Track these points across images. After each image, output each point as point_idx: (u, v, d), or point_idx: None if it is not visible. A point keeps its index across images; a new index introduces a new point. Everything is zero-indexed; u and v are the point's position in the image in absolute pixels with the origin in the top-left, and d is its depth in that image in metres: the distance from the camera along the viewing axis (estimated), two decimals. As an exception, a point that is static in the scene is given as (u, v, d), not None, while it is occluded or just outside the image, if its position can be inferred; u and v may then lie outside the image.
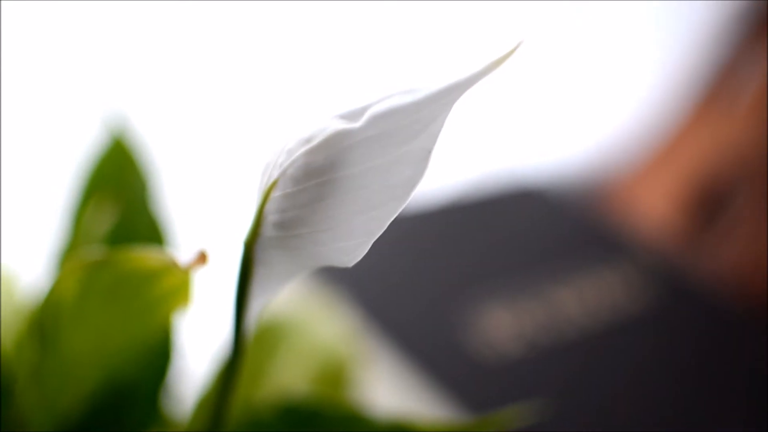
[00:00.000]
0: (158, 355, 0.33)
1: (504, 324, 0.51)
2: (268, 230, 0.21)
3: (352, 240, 0.20)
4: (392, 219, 0.20)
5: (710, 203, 0.76)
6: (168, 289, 0.27)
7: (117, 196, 0.38)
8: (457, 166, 0.75)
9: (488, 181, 0.68)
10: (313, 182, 0.20)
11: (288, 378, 0.37)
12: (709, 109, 0.77)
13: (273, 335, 0.38)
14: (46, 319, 0.28)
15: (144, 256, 0.25)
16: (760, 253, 0.70)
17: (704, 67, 0.79)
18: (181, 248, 0.37)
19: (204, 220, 0.59)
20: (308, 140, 0.19)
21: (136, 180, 0.38)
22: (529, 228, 0.63)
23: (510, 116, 0.85)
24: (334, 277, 0.51)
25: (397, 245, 0.57)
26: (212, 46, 0.67)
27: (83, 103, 0.60)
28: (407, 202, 0.20)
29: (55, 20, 0.61)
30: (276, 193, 0.20)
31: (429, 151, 0.19)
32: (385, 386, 0.46)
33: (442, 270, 0.56)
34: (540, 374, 0.49)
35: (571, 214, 0.67)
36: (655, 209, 0.75)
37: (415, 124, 0.19)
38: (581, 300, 0.55)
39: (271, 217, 0.21)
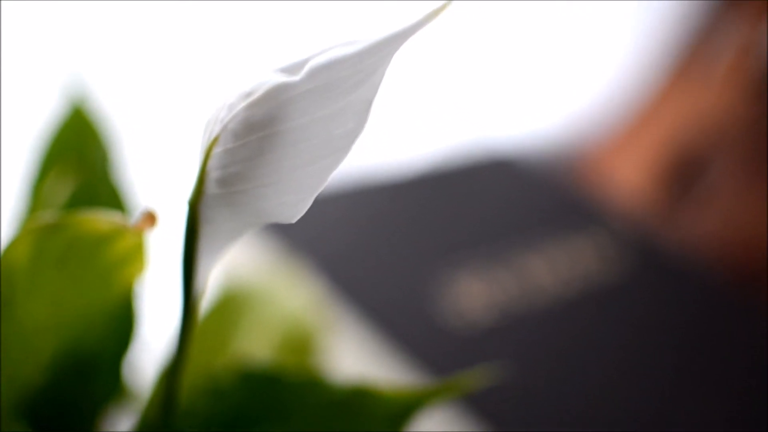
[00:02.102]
0: (120, 324, 0.33)
1: (475, 293, 0.51)
2: (211, 187, 0.21)
3: (295, 194, 0.20)
4: (333, 172, 0.20)
5: (685, 173, 0.76)
6: (122, 253, 0.27)
7: (78, 165, 0.37)
8: (430, 136, 0.75)
9: (461, 151, 0.68)
10: (254, 137, 0.19)
11: (253, 347, 0.37)
12: (683, 77, 0.77)
13: (238, 304, 0.38)
14: (1, 286, 0.28)
15: (94, 218, 0.25)
16: (736, 223, 0.70)
17: (678, 35, 0.79)
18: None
19: (166, 186, 0.59)
20: (248, 94, 0.19)
21: (96, 148, 0.38)
22: (501, 198, 0.63)
23: (482, 85, 0.85)
24: (302, 246, 0.50)
25: (368, 215, 0.56)
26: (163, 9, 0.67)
27: (43, 71, 0.59)
28: (348, 154, 0.19)
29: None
30: (217, 149, 0.20)
31: (370, 102, 0.19)
32: (355, 356, 0.46)
33: (413, 239, 0.55)
34: (511, 343, 0.49)
35: (545, 184, 0.67)
36: (630, 179, 0.75)
37: (356, 75, 0.19)
38: (553, 269, 0.55)
39: (213, 174, 0.20)
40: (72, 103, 0.37)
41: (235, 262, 0.51)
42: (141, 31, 0.67)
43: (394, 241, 0.55)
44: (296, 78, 0.19)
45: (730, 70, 0.74)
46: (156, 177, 0.58)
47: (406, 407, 0.28)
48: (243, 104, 0.19)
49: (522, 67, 0.87)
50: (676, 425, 0.46)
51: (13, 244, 0.26)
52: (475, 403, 0.43)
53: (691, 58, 0.77)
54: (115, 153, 0.37)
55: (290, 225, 0.46)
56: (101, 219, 0.25)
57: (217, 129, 0.20)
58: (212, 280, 0.51)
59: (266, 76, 0.19)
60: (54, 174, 0.37)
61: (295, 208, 0.20)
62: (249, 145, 0.19)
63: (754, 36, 0.74)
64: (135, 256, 0.27)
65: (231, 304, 0.37)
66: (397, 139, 0.75)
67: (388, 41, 0.18)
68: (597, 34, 0.90)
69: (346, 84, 0.19)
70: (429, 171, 0.63)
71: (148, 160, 0.58)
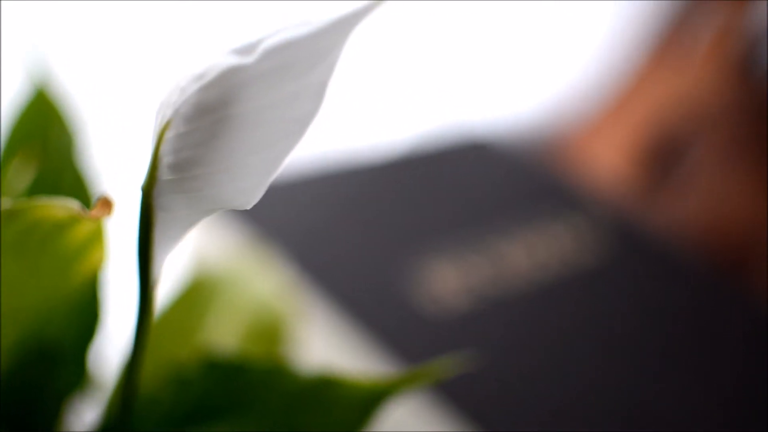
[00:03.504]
0: (83, 314, 0.32)
1: (451, 279, 0.51)
2: (164, 173, 0.20)
3: (249, 180, 0.19)
4: (288, 156, 0.19)
5: (665, 156, 0.76)
6: (80, 240, 0.26)
7: (41, 150, 0.37)
8: (406, 120, 0.75)
9: (437, 134, 0.67)
10: (206, 121, 0.19)
11: (221, 335, 0.36)
12: (662, 60, 0.77)
13: (206, 291, 0.37)
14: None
15: (50, 205, 0.24)
16: (716, 205, 0.70)
17: (658, 17, 0.79)
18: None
19: (128, 171, 0.58)
20: (200, 77, 0.19)
21: (61, 132, 0.37)
22: (477, 182, 0.62)
23: (459, 68, 0.84)
24: (273, 232, 0.50)
25: (341, 199, 0.56)
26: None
27: (5, 53, 0.59)
28: (303, 138, 0.19)
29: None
30: (170, 134, 0.19)
31: (325, 85, 0.18)
32: (326, 343, 0.45)
33: (387, 224, 0.55)
34: (488, 329, 0.48)
35: (522, 167, 0.66)
36: (609, 162, 0.75)
37: (311, 56, 0.18)
38: (531, 254, 0.55)
39: (166, 159, 0.20)
40: (35, 85, 0.36)
41: (203, 248, 0.51)
42: (103, 15, 0.66)
43: (367, 225, 0.54)
44: (249, 60, 0.18)
45: (709, 52, 0.74)
46: (118, 162, 0.58)
47: (372, 396, 0.28)
48: (195, 87, 0.19)
49: (500, 50, 0.87)
50: (654, 410, 0.46)
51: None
52: (450, 390, 0.43)
53: (670, 40, 0.77)
54: (79, 137, 0.36)
55: (260, 210, 0.45)
56: (57, 206, 0.24)
57: (169, 113, 0.19)
58: (180, 268, 0.51)
59: (218, 59, 0.18)
60: (17, 160, 0.36)
61: (249, 194, 0.20)
62: (201, 130, 0.19)
63: (734, 18, 0.74)
64: (94, 244, 0.27)
65: (199, 291, 0.37)
66: (371, 123, 0.75)
67: (342, 22, 0.18)
68: (576, 16, 0.89)
69: (301, 65, 0.18)
70: (404, 154, 0.63)
71: (110, 144, 0.58)
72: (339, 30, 0.18)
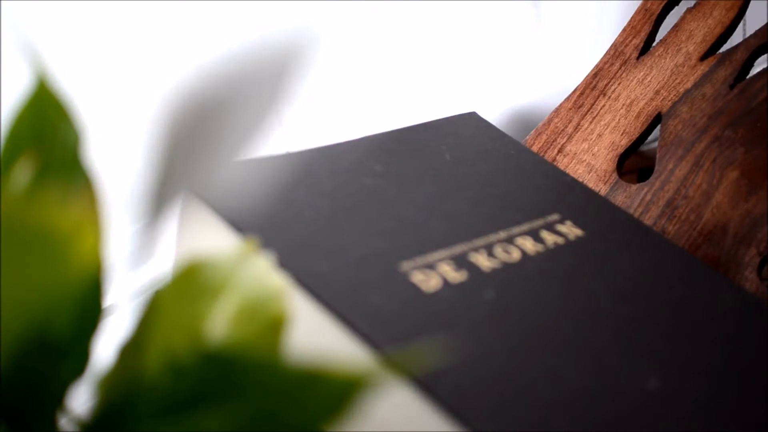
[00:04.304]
0: (85, 305, 0.33)
1: (432, 264, 0.51)
2: None
3: None
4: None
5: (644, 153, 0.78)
6: (71, 228, 0.27)
7: (48, 147, 0.37)
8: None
9: (420, 120, 0.67)
10: None
11: (215, 321, 0.36)
12: (649, 54, 0.77)
13: (200, 278, 0.37)
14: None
15: (36, 194, 0.25)
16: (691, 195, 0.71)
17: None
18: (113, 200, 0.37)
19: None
20: None
21: (67, 129, 0.38)
22: (460, 167, 0.63)
23: (431, 69, 0.85)
24: (258, 218, 0.49)
25: (321, 180, 0.56)
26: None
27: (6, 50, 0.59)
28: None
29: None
30: None
31: None
32: (312, 331, 0.46)
33: (368, 207, 0.55)
34: (471, 313, 0.48)
35: (506, 155, 0.67)
36: (591, 153, 0.75)
37: None
38: (512, 242, 0.55)
39: None
40: (37, 83, 0.37)
41: (192, 232, 0.51)
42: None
43: (347, 207, 0.54)
44: None
45: (696, 45, 0.75)
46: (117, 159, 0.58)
47: (356, 387, 0.28)
48: None
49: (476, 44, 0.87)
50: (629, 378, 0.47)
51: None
52: (435, 375, 0.43)
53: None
54: (80, 129, 0.37)
55: (245, 198, 0.45)
56: (44, 194, 0.25)
57: None
58: (174, 256, 0.51)
59: None
60: (21, 160, 0.36)
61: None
62: None
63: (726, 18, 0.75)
64: (85, 231, 0.27)
65: (193, 276, 0.37)
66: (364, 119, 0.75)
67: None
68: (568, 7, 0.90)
69: None
70: (392, 132, 0.63)
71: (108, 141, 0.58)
72: None
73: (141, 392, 0.32)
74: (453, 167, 0.62)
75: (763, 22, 0.73)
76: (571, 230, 0.58)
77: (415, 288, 0.49)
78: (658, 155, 0.73)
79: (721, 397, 0.48)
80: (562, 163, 0.75)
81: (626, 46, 0.77)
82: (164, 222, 0.23)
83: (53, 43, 0.61)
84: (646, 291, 0.55)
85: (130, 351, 0.34)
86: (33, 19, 0.60)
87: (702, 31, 0.74)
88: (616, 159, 0.74)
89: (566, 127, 0.77)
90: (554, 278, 0.54)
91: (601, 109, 0.76)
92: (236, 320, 0.37)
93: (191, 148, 0.20)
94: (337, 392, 0.29)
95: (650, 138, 0.76)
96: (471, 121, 0.69)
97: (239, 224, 0.49)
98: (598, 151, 0.75)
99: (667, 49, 0.75)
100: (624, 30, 0.78)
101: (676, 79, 0.74)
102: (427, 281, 0.49)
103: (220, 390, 0.31)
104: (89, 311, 0.34)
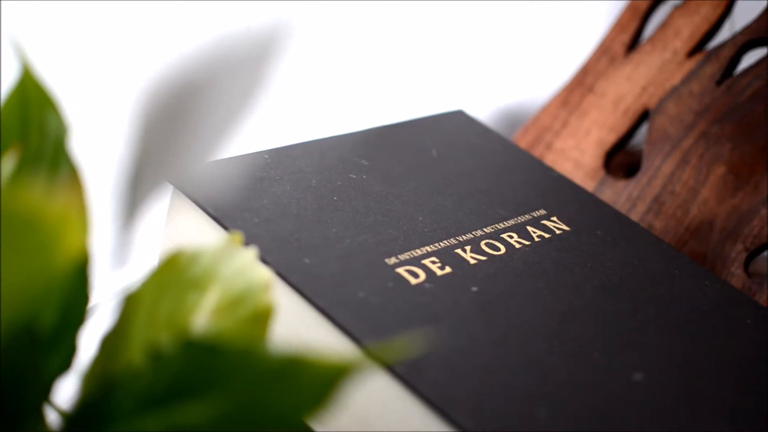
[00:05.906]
0: (72, 296, 0.33)
1: (418, 254, 0.51)
2: None
3: None
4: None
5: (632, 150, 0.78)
6: (55, 219, 0.27)
7: (30, 140, 0.37)
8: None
9: (408, 116, 0.68)
10: None
11: (197, 310, 0.37)
12: (637, 51, 0.77)
13: (182, 268, 0.37)
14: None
15: (20, 186, 0.25)
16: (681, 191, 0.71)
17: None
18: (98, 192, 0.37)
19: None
20: None
21: (54, 120, 0.38)
22: (448, 163, 0.63)
23: (419, 66, 0.85)
24: (242, 209, 0.50)
25: (307, 172, 0.56)
26: None
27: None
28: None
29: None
30: None
31: None
32: (294, 321, 0.46)
33: (355, 199, 0.55)
34: (449, 306, 0.48)
35: (493, 150, 0.67)
36: (579, 150, 0.76)
37: None
38: (498, 237, 0.55)
39: None
40: (23, 75, 0.37)
41: (178, 227, 0.51)
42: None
43: (333, 202, 0.54)
44: None
45: (685, 44, 0.75)
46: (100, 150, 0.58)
47: (338, 375, 0.29)
48: None
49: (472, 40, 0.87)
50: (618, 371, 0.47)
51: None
52: (417, 366, 0.43)
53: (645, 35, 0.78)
54: (65, 120, 0.37)
55: (232, 193, 0.46)
56: (30, 184, 0.25)
57: None
58: (156, 244, 0.51)
59: None
60: (8, 152, 0.37)
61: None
62: None
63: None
64: (71, 222, 0.27)
65: (176, 270, 0.37)
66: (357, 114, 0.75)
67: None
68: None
69: None
70: (379, 128, 0.63)
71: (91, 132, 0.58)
72: None
73: (123, 383, 0.32)
74: (439, 163, 0.62)
75: (750, 19, 0.73)
76: (557, 225, 0.59)
77: (400, 282, 0.49)
78: (645, 151, 0.73)
79: (706, 391, 0.49)
80: (549, 159, 0.75)
81: (614, 43, 0.78)
82: (142, 216, 0.23)
83: (38, 35, 0.61)
84: (632, 286, 0.55)
85: (112, 342, 0.34)
86: (16, 12, 0.60)
87: (689, 28, 0.75)
88: (604, 155, 0.74)
89: (554, 123, 0.77)
90: (540, 273, 0.54)
91: (588, 105, 0.76)
92: (220, 312, 0.37)
93: (167, 140, 0.20)
94: (319, 381, 0.29)
95: (638, 135, 0.76)
96: (458, 118, 0.69)
97: (225, 219, 0.49)
98: (585, 147, 0.75)
99: (655, 46, 0.76)
100: (612, 27, 0.78)
101: (663, 75, 0.74)
102: (413, 276, 0.50)
103: (202, 379, 0.31)
104: (75, 303, 0.34)
